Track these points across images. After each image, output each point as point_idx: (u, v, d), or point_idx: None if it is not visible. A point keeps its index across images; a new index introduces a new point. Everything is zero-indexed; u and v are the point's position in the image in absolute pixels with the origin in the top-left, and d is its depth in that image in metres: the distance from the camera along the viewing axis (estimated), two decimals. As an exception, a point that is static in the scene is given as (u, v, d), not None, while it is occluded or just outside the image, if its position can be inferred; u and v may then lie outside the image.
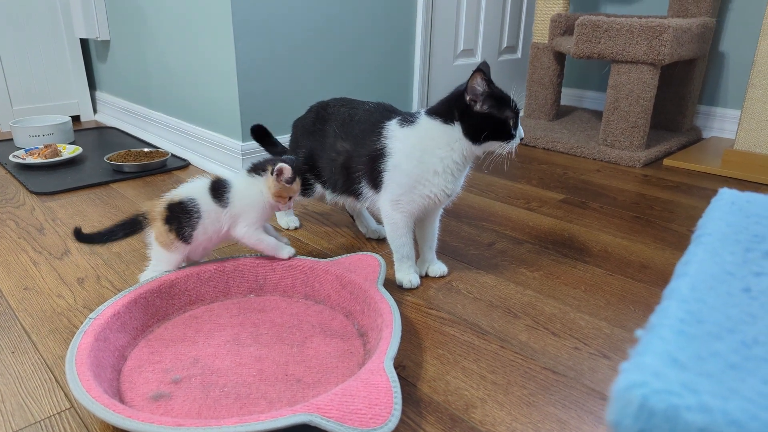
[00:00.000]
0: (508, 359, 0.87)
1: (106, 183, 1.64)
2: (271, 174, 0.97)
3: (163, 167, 1.75)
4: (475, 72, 0.92)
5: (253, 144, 1.64)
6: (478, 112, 0.95)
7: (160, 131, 2.02)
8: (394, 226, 1.05)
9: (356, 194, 1.09)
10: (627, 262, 1.19)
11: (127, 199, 1.51)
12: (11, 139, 2.06)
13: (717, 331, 0.33)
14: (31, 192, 1.56)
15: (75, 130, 2.19)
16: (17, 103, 2.27)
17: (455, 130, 0.97)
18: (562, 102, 2.63)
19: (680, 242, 1.29)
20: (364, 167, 1.05)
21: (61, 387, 0.80)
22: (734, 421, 0.26)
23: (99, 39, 2.24)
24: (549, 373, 0.84)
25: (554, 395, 0.79)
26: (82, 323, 0.94)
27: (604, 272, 1.15)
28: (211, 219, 0.97)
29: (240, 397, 0.77)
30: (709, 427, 0.26)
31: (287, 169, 0.97)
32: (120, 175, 1.68)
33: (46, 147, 1.82)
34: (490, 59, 2.34)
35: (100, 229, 0.97)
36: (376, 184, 1.04)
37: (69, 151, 1.85)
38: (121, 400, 0.76)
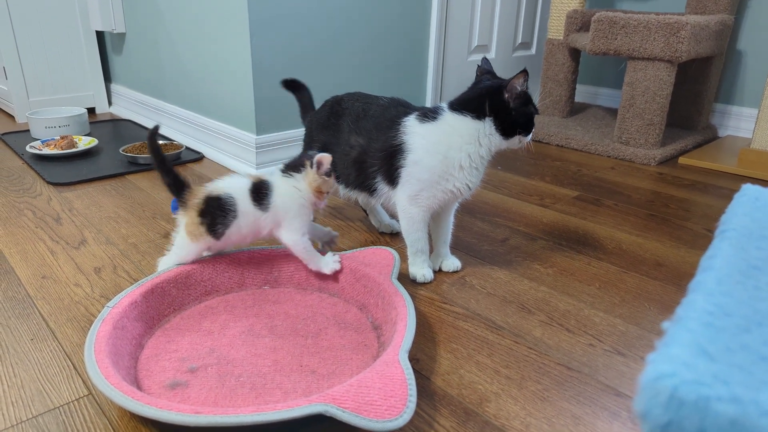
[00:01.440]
0: (522, 354, 0.87)
1: (122, 174, 1.65)
2: (311, 167, 0.96)
3: (178, 160, 1.76)
4: (521, 72, 0.95)
5: (268, 137, 1.65)
6: (513, 108, 0.98)
7: (175, 124, 2.03)
8: (411, 221, 1.05)
9: (371, 190, 1.09)
10: (642, 259, 1.19)
11: (142, 191, 1.53)
12: (28, 130, 2.08)
13: (745, 324, 0.33)
14: (48, 182, 1.58)
15: (90, 122, 2.22)
16: (34, 94, 2.29)
17: (485, 125, 0.99)
18: (577, 99, 2.61)
19: (695, 241, 1.28)
20: (380, 162, 1.05)
21: (79, 374, 0.81)
22: (766, 412, 0.26)
23: (115, 32, 2.26)
24: (563, 369, 0.84)
25: (568, 391, 0.79)
26: (99, 312, 0.96)
27: (618, 269, 1.14)
28: (248, 221, 0.95)
29: (255, 387, 0.78)
30: (740, 418, 0.26)
31: (327, 159, 0.95)
32: (135, 166, 1.70)
33: (62, 138, 1.84)
34: (505, 55, 2.33)
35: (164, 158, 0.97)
36: (392, 179, 1.04)
37: (85, 142, 1.87)
38: (138, 388, 0.77)
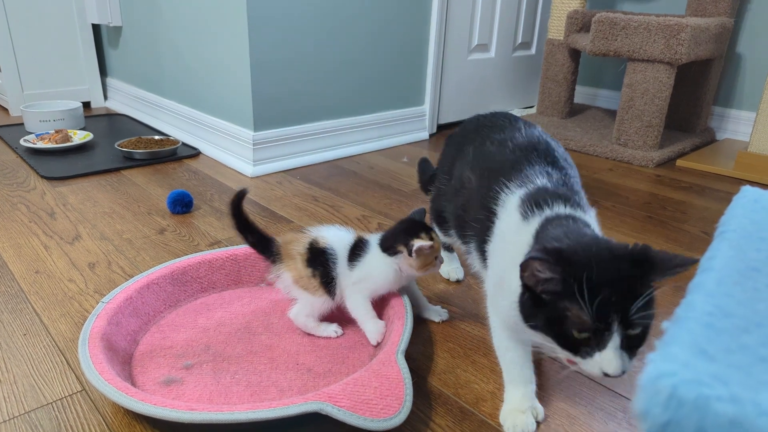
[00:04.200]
0: (518, 354, 0.87)
1: (117, 170, 1.64)
2: (410, 255, 0.83)
3: (174, 155, 1.75)
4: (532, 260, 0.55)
5: (265, 134, 1.64)
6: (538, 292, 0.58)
7: (171, 119, 2.02)
8: (494, 334, 0.75)
9: (466, 244, 0.85)
10: (638, 261, 1.19)
11: (137, 186, 1.52)
12: (22, 124, 2.07)
13: (745, 325, 0.33)
14: (42, 177, 1.57)
15: (85, 117, 2.20)
16: (28, 87, 2.28)
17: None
18: (576, 100, 2.61)
19: (692, 243, 1.28)
20: (476, 226, 0.77)
21: (72, 370, 0.81)
22: (765, 412, 0.26)
23: (111, 25, 2.25)
24: (559, 369, 0.84)
25: (564, 391, 0.79)
26: (93, 308, 0.95)
27: (615, 270, 1.14)
28: (343, 278, 0.87)
29: (251, 385, 0.77)
30: (739, 418, 0.26)
31: (425, 246, 0.82)
32: (130, 162, 1.69)
33: (56, 132, 1.83)
34: (505, 55, 2.33)
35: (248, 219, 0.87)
36: (482, 255, 0.77)
37: (80, 136, 1.86)
38: (133, 384, 0.76)
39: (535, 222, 0.65)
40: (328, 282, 0.86)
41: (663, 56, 1.72)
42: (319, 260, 0.85)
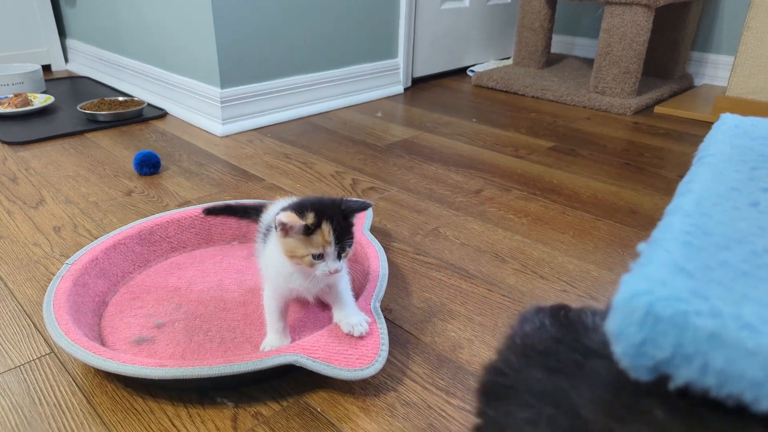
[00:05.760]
0: (496, 302, 0.86)
1: (81, 133, 1.57)
2: (276, 229, 0.64)
3: (139, 117, 1.68)
4: None
5: (233, 91, 1.57)
6: None
7: (135, 80, 1.93)
8: None
9: None
10: (616, 207, 1.18)
11: (102, 149, 1.45)
12: (-22, 89, 1.95)
13: (725, 243, 0.31)
14: (3, 142, 1.49)
15: (46, 80, 2.09)
16: (-18, 51, 2.15)
17: None
18: (553, 50, 2.56)
19: (670, 188, 1.28)
20: None
21: (40, 333, 0.78)
22: (747, 324, 0.24)
23: (66, -19, 2.11)
24: (538, 314, 0.83)
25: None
26: (59, 270, 0.91)
27: (592, 217, 1.14)
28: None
29: (225, 341, 0.75)
30: (719, 332, 0.24)
31: (288, 223, 0.61)
32: (94, 124, 1.61)
33: (16, 96, 1.73)
34: (480, 4, 2.25)
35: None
36: None
37: (40, 100, 1.77)
38: (103, 344, 0.74)
39: None
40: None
41: (642, -1, 1.68)
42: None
